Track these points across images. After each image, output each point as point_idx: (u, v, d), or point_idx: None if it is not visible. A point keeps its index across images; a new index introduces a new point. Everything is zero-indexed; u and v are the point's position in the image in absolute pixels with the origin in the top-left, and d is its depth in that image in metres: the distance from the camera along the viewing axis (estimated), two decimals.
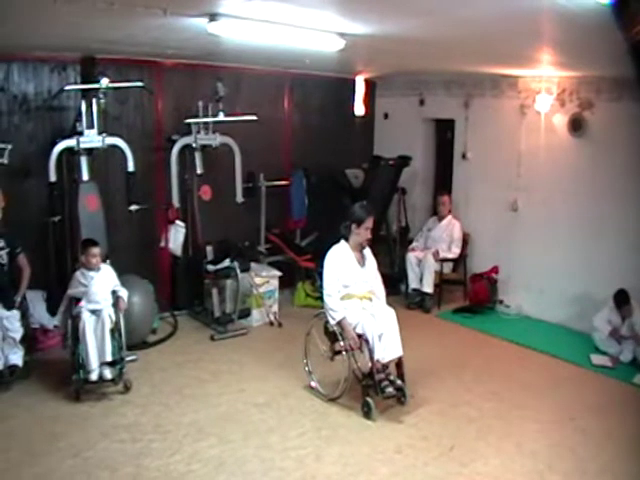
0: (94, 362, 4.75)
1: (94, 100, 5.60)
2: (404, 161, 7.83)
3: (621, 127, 6.29)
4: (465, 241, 7.68)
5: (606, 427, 4.76)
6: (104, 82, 5.60)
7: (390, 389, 4.73)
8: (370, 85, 8.62)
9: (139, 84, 5.92)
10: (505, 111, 7.36)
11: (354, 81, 8.34)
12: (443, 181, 8.34)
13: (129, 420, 4.59)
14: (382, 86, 8.80)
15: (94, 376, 4.76)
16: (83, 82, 5.82)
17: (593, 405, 5.13)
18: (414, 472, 4.06)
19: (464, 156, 7.86)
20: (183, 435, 4.41)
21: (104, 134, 5.67)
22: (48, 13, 3.73)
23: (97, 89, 5.59)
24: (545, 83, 6.85)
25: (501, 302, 7.46)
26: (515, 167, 7.27)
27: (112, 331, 4.92)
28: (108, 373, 4.83)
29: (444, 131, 8.44)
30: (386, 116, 8.82)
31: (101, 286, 5.06)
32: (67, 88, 5.78)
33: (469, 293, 7.55)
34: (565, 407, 5.08)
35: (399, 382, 4.81)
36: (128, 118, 6.47)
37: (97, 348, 4.79)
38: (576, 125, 6.65)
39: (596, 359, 6.04)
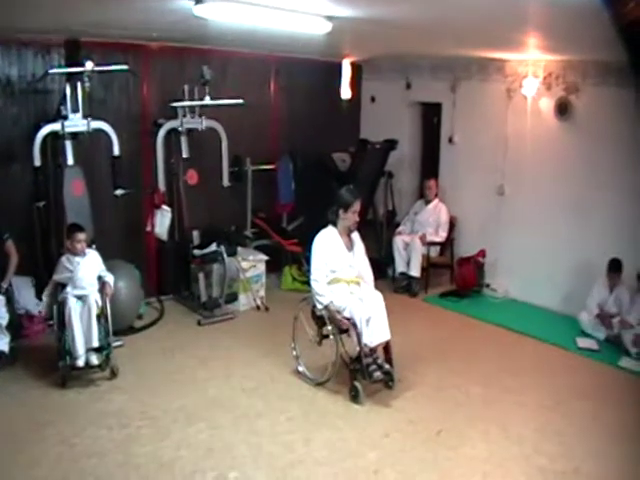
0: (80, 348, 4.72)
1: (79, 84, 5.52)
2: (391, 145, 7.81)
3: (606, 110, 6.32)
4: (452, 225, 7.71)
5: (592, 410, 4.81)
6: (89, 65, 5.50)
7: (378, 373, 4.74)
8: (357, 68, 8.55)
9: (124, 67, 5.83)
10: (492, 95, 7.35)
11: (341, 64, 8.27)
12: (430, 165, 8.33)
13: (116, 406, 4.57)
14: (369, 70, 8.75)
15: (80, 362, 4.73)
16: (68, 65, 5.72)
17: (579, 388, 5.18)
18: (402, 456, 4.08)
19: (451, 140, 7.86)
20: (171, 421, 4.40)
21: (89, 118, 5.61)
22: None
23: (82, 72, 5.50)
24: (532, 67, 6.84)
25: (488, 286, 7.50)
26: (501, 151, 7.28)
27: (98, 317, 4.89)
28: (95, 359, 4.81)
29: (431, 115, 8.41)
30: (373, 100, 8.78)
31: (87, 271, 5.02)
32: (51, 71, 5.69)
33: (456, 277, 7.59)
34: (552, 391, 5.11)
35: (387, 366, 4.83)
36: (113, 102, 6.40)
37: (83, 334, 4.76)
38: (562, 109, 6.66)
39: (582, 342, 6.09)
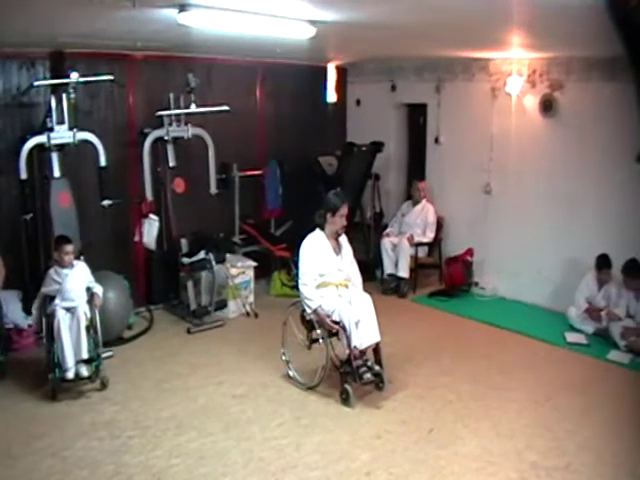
0: (70, 360, 4.71)
1: (64, 95, 5.53)
2: (377, 147, 7.84)
3: (590, 106, 6.38)
4: (439, 225, 7.74)
5: (583, 404, 4.85)
6: (74, 77, 5.51)
7: (368, 375, 4.77)
8: (342, 72, 8.60)
9: (109, 78, 5.85)
10: (476, 94, 7.40)
11: (326, 68, 8.32)
12: (416, 166, 8.37)
13: (107, 417, 4.56)
14: (354, 73, 8.78)
15: (70, 374, 4.72)
16: (52, 77, 5.72)
17: (569, 383, 5.22)
18: (394, 457, 4.10)
19: (437, 140, 7.90)
20: (162, 430, 4.40)
21: (75, 129, 5.61)
22: (16, 6, 3.67)
23: (67, 84, 5.51)
24: (516, 65, 6.89)
25: (476, 284, 7.55)
26: (487, 150, 7.32)
27: (87, 328, 4.88)
28: (84, 371, 4.79)
29: (416, 116, 8.44)
30: (358, 102, 8.81)
31: (75, 283, 5.02)
32: (36, 84, 5.68)
33: (444, 276, 7.62)
34: (542, 386, 5.15)
35: (377, 368, 4.85)
36: (99, 112, 6.39)
37: (73, 346, 4.75)
38: (547, 106, 6.72)
39: (571, 337, 6.15)
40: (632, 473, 3.95)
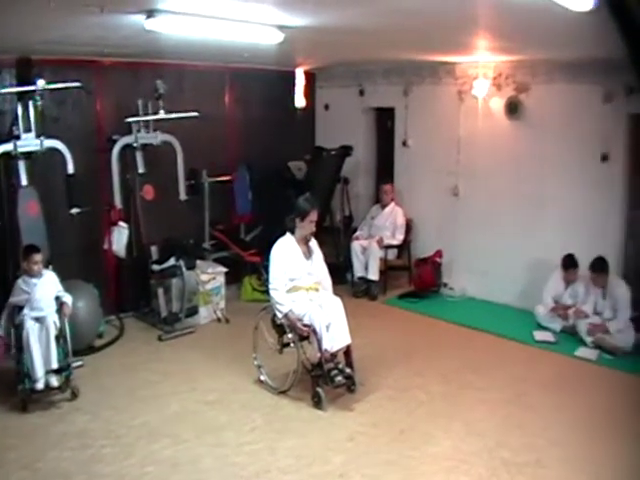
0: (40, 370, 4.66)
1: (31, 102, 5.45)
2: (346, 151, 7.89)
3: (555, 108, 6.52)
4: (408, 227, 7.81)
5: (552, 401, 4.94)
6: (40, 84, 5.46)
7: (339, 378, 4.80)
8: (310, 77, 8.65)
9: (76, 84, 5.80)
10: (443, 97, 7.49)
11: (294, 73, 8.35)
12: (385, 169, 8.43)
13: (79, 427, 4.53)
14: (322, 77, 8.83)
15: (40, 385, 4.67)
16: (19, 84, 5.66)
17: (539, 380, 5.31)
18: (367, 459, 4.13)
19: (405, 144, 7.97)
20: (135, 438, 4.38)
21: (42, 137, 5.54)
22: None
23: (33, 91, 5.45)
24: (482, 69, 7.00)
25: (445, 285, 7.63)
26: (455, 152, 7.41)
27: (57, 338, 4.84)
28: (54, 381, 4.76)
29: (385, 120, 8.52)
30: (327, 107, 8.86)
31: (44, 292, 4.97)
32: (2, 91, 5.62)
33: (414, 278, 7.69)
34: (512, 385, 5.23)
35: (348, 370, 4.88)
36: (67, 119, 6.34)
37: (42, 356, 4.71)
38: (512, 108, 6.83)
39: (539, 335, 6.26)
40: (601, 466, 4.03)
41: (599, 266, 5.97)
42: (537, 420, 4.65)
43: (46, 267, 5.18)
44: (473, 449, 4.25)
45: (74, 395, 4.92)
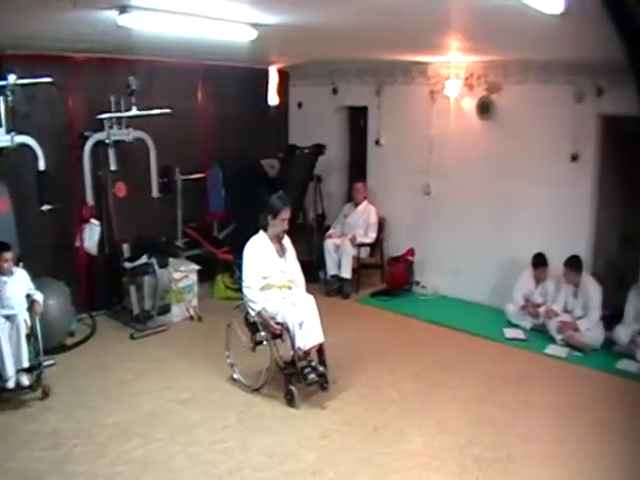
0: (10, 369, 4.62)
1: (1, 98, 5.39)
2: (319, 149, 7.91)
3: (526, 108, 6.61)
4: (381, 225, 7.85)
5: (523, 398, 5.02)
6: (11, 79, 5.38)
7: (312, 376, 4.83)
8: (283, 75, 8.64)
9: (47, 80, 5.74)
10: (416, 97, 7.54)
11: (268, 71, 8.34)
12: (358, 168, 8.47)
13: (50, 426, 4.49)
14: (295, 76, 8.84)
15: (11, 384, 4.63)
16: None
17: (509, 378, 5.39)
18: (340, 456, 4.16)
19: (377, 142, 8.01)
20: (107, 437, 4.36)
21: (13, 133, 5.48)
22: None
23: (4, 87, 5.38)
24: (454, 69, 7.06)
25: (418, 284, 7.69)
26: (427, 152, 7.47)
27: (28, 336, 4.80)
28: (25, 380, 4.72)
29: (357, 118, 8.55)
30: (300, 105, 8.88)
31: (15, 291, 4.94)
32: None
33: (386, 276, 7.73)
34: (483, 382, 5.30)
35: (321, 368, 4.90)
36: (37, 115, 6.25)
37: (13, 355, 4.67)
38: (484, 108, 6.91)
39: (509, 333, 6.35)
40: (571, 461, 4.12)
41: (574, 263, 6.06)
42: (508, 417, 4.72)
43: (16, 265, 5.13)
44: (445, 446, 4.30)
45: (45, 394, 4.87)
